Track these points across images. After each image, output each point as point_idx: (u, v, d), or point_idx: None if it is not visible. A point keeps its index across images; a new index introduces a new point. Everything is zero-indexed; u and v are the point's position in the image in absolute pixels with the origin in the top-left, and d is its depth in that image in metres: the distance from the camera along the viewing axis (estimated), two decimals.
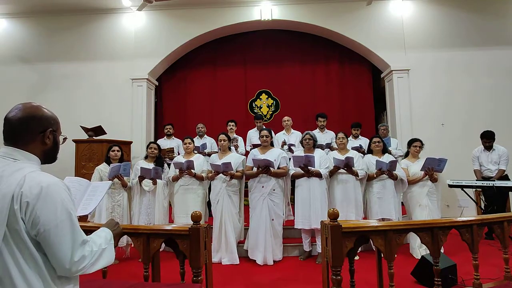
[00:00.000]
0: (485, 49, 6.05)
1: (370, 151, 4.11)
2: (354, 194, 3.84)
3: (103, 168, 3.85)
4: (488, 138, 4.61)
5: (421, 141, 4.05)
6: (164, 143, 5.43)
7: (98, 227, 2.37)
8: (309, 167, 3.67)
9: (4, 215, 0.95)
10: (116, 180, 3.75)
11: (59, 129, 1.19)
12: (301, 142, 4.01)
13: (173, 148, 5.18)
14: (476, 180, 4.63)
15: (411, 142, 4.09)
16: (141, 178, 3.90)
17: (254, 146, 4.89)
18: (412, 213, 3.86)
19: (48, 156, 1.15)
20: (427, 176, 3.76)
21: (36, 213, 0.97)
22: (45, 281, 1.00)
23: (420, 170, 3.79)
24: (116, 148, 3.94)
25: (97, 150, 5.01)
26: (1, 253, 0.95)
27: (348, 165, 3.75)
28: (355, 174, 3.81)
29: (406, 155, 4.17)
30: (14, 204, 0.96)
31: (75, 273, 1.03)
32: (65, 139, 1.23)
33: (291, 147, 4.86)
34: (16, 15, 6.53)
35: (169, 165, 4.36)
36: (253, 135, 5.44)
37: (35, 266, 0.98)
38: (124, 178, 3.83)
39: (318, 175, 3.72)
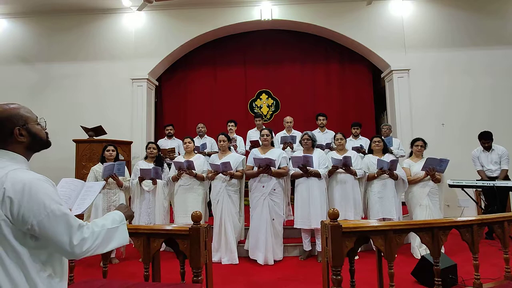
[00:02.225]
0: (485, 49, 6.05)
1: (370, 151, 4.11)
2: (353, 194, 3.84)
3: (98, 168, 3.84)
4: (486, 139, 4.61)
5: (423, 141, 4.04)
6: (165, 143, 5.43)
7: None
8: (307, 167, 3.68)
9: None
10: (111, 180, 3.74)
11: (30, 119, 1.14)
12: (300, 142, 4.02)
13: (174, 148, 5.18)
14: (476, 180, 4.63)
15: (413, 142, 4.08)
16: (141, 179, 3.90)
17: (252, 142, 4.90)
18: (413, 213, 3.86)
19: (34, 147, 1.16)
20: (428, 176, 3.76)
21: (25, 209, 0.99)
22: (27, 275, 1.01)
23: (421, 170, 3.78)
24: (111, 148, 3.93)
25: (98, 150, 5.00)
26: None
27: (346, 165, 3.75)
28: (354, 174, 3.82)
29: (411, 155, 4.17)
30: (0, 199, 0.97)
31: (81, 255, 1.07)
32: (45, 123, 1.20)
33: (292, 143, 4.82)
34: (16, 15, 6.53)
35: (169, 165, 4.36)
36: (253, 135, 5.43)
37: (16, 259, 1.00)
38: (119, 177, 3.82)
39: (317, 175, 3.72)
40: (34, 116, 1.17)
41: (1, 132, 1.09)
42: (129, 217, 1.33)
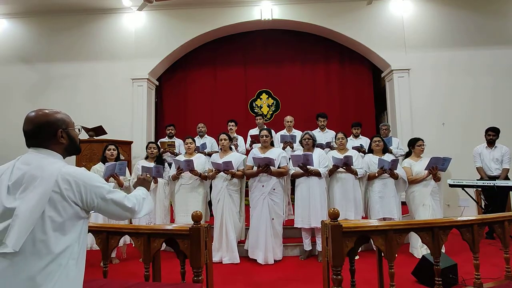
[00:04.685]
0: (486, 49, 6.04)
1: (370, 150, 4.11)
2: (353, 193, 3.84)
3: (99, 168, 3.83)
4: (494, 131, 4.61)
5: (423, 140, 4.05)
6: None
7: (96, 227, 2.38)
8: (307, 166, 3.67)
9: (47, 194, 1.13)
10: (112, 179, 3.74)
11: (70, 124, 1.33)
12: (301, 142, 4.02)
13: (174, 142, 5.17)
14: (477, 179, 4.62)
15: (414, 142, 4.05)
16: None
17: (253, 137, 4.90)
18: (415, 212, 3.84)
19: (70, 150, 1.33)
20: (431, 175, 3.76)
21: (91, 191, 1.22)
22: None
23: (425, 169, 3.78)
24: (112, 147, 3.92)
25: (98, 150, 5.00)
26: (43, 220, 1.13)
27: (347, 164, 3.75)
28: (354, 173, 3.81)
29: (407, 155, 4.16)
30: (62, 185, 1.16)
31: (136, 214, 1.38)
32: (79, 129, 1.40)
33: (292, 142, 4.82)
34: (16, 15, 6.53)
35: (169, 164, 4.35)
36: (255, 134, 5.42)
37: (47, 241, 1.13)
38: (120, 177, 3.81)
39: (317, 174, 3.72)
40: (72, 122, 1.36)
41: (47, 132, 1.25)
42: (149, 188, 1.65)
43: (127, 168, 3.94)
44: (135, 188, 1.60)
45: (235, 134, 5.34)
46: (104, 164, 3.77)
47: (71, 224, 1.18)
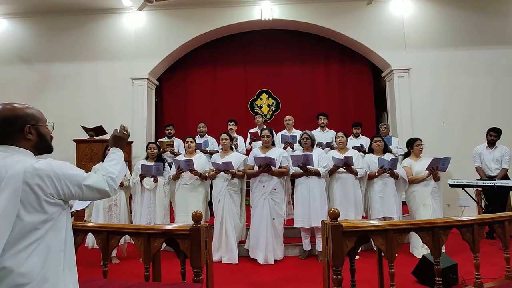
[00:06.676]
0: (486, 48, 6.04)
1: (371, 150, 4.11)
2: (354, 193, 3.84)
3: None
4: (495, 132, 4.61)
5: (421, 140, 4.05)
6: None
7: (97, 227, 2.38)
8: (307, 166, 3.67)
9: (17, 194, 1.06)
10: None
11: (40, 121, 1.24)
12: (300, 141, 4.02)
13: (172, 141, 5.17)
14: (477, 179, 4.62)
15: (412, 142, 4.06)
16: (142, 176, 3.89)
17: (252, 134, 4.90)
18: (416, 212, 3.83)
19: (40, 148, 1.24)
20: (431, 175, 3.76)
21: (66, 180, 1.16)
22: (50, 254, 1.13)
23: (426, 170, 3.78)
24: None
25: (98, 150, 5.01)
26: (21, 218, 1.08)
27: (347, 164, 3.75)
28: (355, 173, 3.81)
29: (406, 155, 4.16)
30: (32, 183, 1.08)
31: (115, 187, 1.32)
32: (53, 126, 1.30)
33: (292, 142, 4.83)
34: (16, 15, 6.53)
35: (170, 164, 4.36)
36: (254, 131, 5.41)
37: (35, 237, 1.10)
38: None
39: (317, 174, 3.72)
40: (44, 119, 1.27)
41: (13, 127, 1.17)
42: (123, 146, 1.51)
43: (127, 168, 3.93)
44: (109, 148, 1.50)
45: (235, 134, 5.34)
46: None
47: (52, 221, 1.13)
